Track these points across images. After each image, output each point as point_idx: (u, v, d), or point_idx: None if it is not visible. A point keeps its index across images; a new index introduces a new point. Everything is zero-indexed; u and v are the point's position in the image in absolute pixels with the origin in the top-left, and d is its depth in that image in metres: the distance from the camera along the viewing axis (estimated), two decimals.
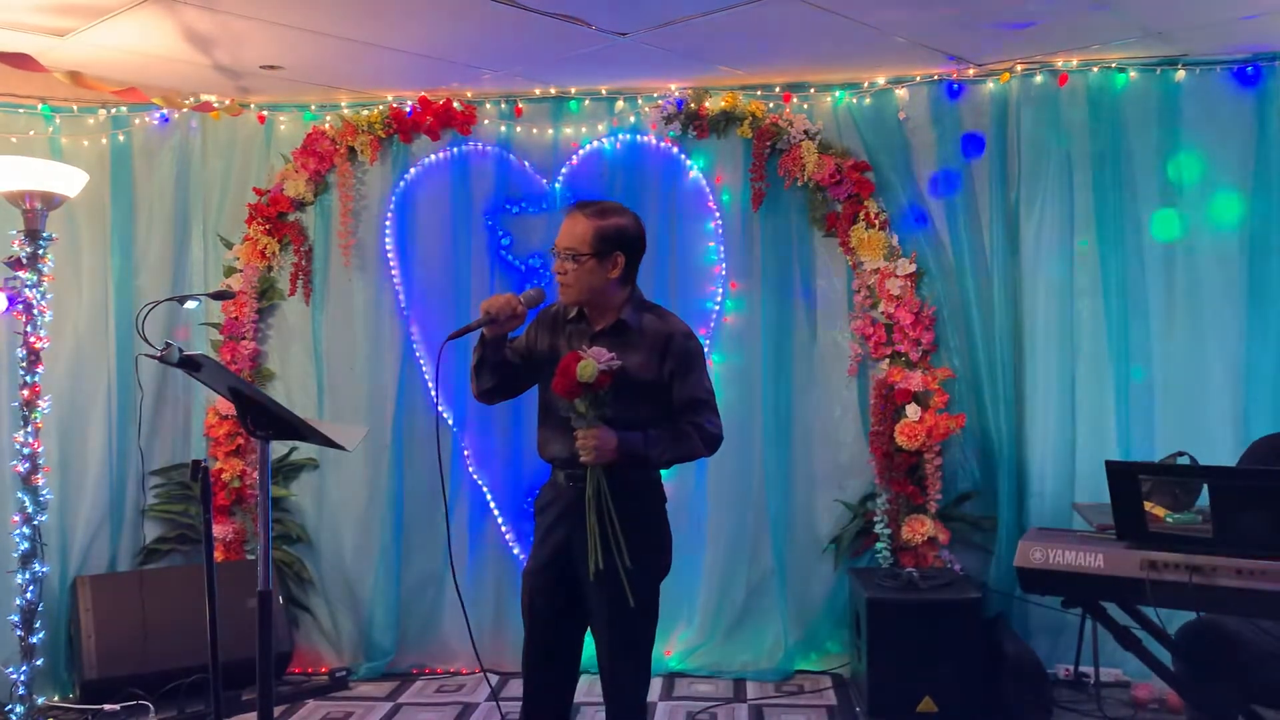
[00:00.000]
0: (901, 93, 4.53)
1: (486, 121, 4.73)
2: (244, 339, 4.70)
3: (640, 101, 4.66)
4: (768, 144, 4.54)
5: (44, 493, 3.90)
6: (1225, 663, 2.95)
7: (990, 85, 4.44)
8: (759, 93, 4.60)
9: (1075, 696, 4.10)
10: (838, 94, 4.59)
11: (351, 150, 4.70)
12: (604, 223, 2.76)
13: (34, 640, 3.85)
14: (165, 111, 4.64)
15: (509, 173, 4.74)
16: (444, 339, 2.76)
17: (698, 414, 2.75)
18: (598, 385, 2.57)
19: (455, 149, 4.73)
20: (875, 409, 4.48)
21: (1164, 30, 3.92)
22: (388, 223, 4.75)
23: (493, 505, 4.72)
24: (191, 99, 4.58)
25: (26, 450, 3.84)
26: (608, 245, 2.75)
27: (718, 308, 4.67)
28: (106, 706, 4.11)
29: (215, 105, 4.59)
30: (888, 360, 4.48)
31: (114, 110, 4.69)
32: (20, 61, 3.59)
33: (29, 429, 3.84)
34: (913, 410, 4.37)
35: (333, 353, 4.77)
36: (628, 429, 2.66)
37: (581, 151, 4.71)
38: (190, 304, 4.59)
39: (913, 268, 4.46)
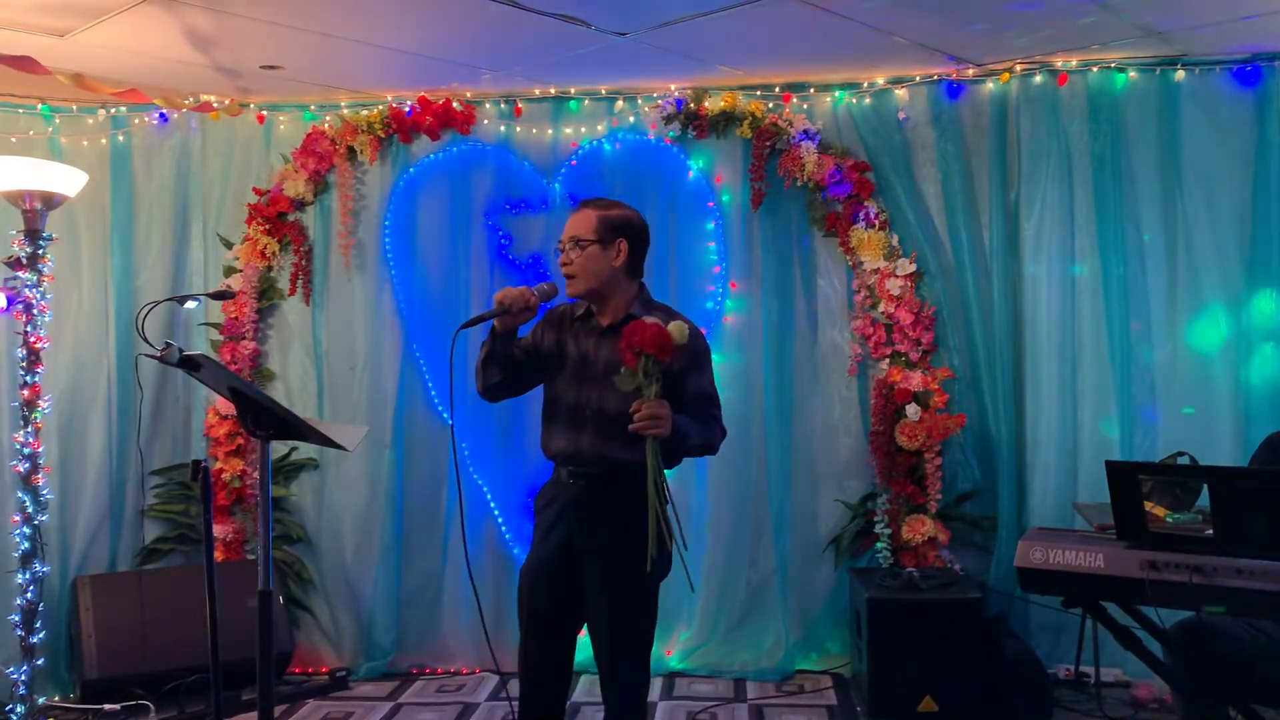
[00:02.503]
0: (901, 93, 4.53)
1: (486, 121, 4.73)
2: (244, 339, 4.70)
3: (640, 101, 4.66)
4: (767, 144, 4.54)
5: (44, 493, 3.89)
6: (1218, 660, 2.95)
7: (990, 85, 4.44)
8: (759, 93, 4.60)
9: (1075, 696, 4.10)
10: (837, 94, 4.59)
11: (351, 150, 4.70)
12: (607, 211, 2.83)
13: (34, 640, 3.84)
14: (165, 111, 4.64)
15: (509, 173, 4.74)
16: (452, 334, 2.75)
17: (709, 408, 2.79)
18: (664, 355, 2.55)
19: (455, 149, 4.73)
20: (875, 409, 4.48)
21: (1164, 30, 3.92)
22: (387, 223, 4.74)
23: (491, 504, 4.72)
24: (191, 99, 4.58)
25: (26, 450, 3.83)
26: (611, 232, 2.79)
27: (718, 308, 4.67)
28: (107, 706, 4.11)
29: (215, 105, 4.60)
30: (888, 360, 4.48)
31: (114, 110, 4.69)
32: (23, 64, 3.59)
33: (29, 429, 3.83)
34: (913, 410, 4.37)
35: (333, 353, 4.77)
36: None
37: (581, 151, 4.71)
38: (190, 304, 4.60)
39: (913, 268, 4.46)
